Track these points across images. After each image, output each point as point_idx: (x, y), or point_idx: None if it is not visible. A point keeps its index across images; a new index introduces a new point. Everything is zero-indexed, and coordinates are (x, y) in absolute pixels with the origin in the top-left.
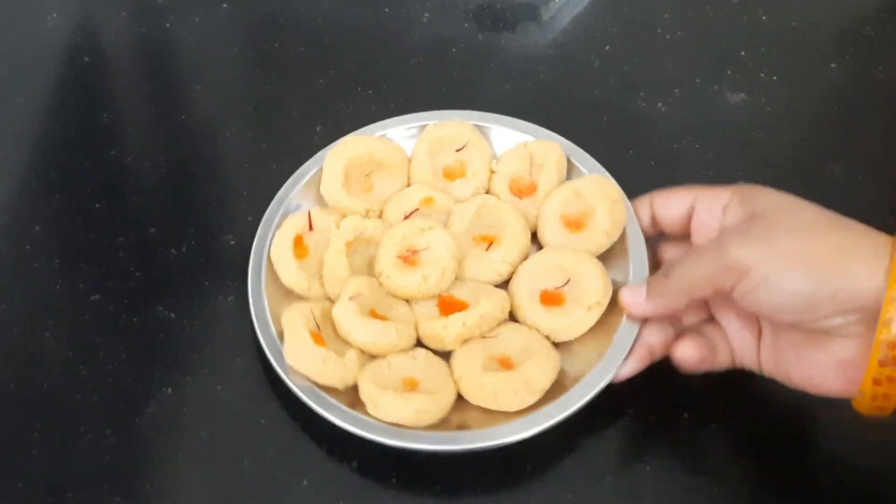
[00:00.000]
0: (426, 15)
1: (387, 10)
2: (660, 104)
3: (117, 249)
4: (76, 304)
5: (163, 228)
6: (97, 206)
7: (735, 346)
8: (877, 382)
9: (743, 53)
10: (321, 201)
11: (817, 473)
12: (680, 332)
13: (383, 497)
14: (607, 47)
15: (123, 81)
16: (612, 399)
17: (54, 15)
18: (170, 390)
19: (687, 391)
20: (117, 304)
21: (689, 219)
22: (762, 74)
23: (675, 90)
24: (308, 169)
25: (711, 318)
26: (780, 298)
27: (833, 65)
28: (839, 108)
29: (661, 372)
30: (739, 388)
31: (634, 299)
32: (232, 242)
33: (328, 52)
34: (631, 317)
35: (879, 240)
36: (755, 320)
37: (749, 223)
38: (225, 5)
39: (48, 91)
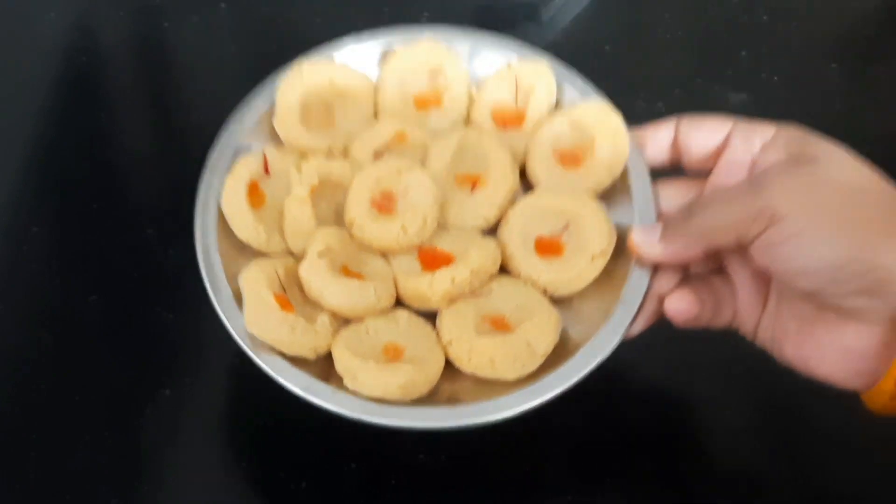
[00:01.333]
0: (426, 14)
1: (386, 9)
2: (660, 104)
3: (115, 250)
4: (74, 305)
5: (161, 229)
6: (95, 206)
7: (739, 306)
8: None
9: (743, 53)
10: (274, 137)
11: (819, 472)
12: (682, 280)
13: (382, 499)
14: (607, 47)
15: (121, 82)
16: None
17: (52, 15)
18: (168, 391)
19: (686, 392)
20: (115, 305)
21: (718, 153)
22: (763, 74)
23: (676, 90)
24: (257, 100)
25: (721, 269)
26: (809, 259)
27: (833, 65)
28: (839, 108)
29: (659, 372)
30: (739, 388)
31: (647, 239)
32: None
33: None
34: (641, 262)
35: None
36: (767, 281)
37: (792, 166)
38: (223, 5)
39: (46, 92)
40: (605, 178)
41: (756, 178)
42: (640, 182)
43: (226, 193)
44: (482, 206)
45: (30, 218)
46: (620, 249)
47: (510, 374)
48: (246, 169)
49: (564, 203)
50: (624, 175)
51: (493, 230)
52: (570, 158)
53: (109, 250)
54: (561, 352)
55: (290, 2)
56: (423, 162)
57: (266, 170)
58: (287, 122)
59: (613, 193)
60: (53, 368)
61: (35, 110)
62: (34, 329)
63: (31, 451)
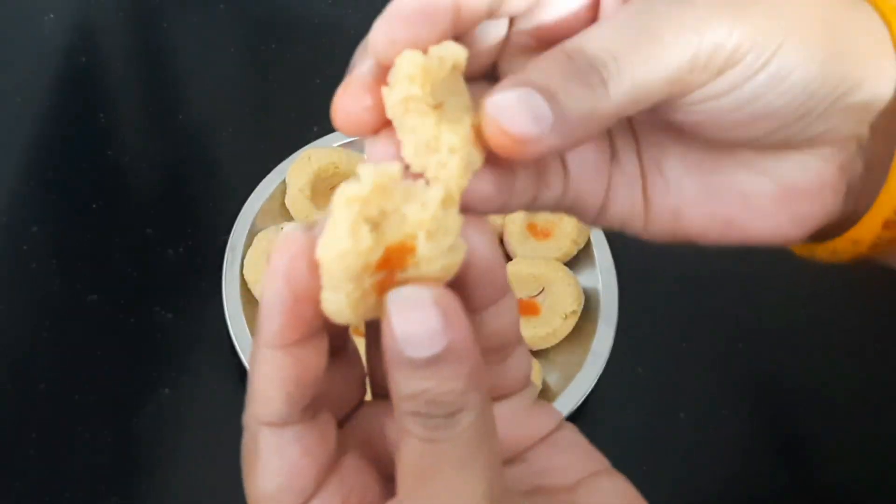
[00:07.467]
0: None
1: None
2: None
3: (115, 250)
4: (74, 305)
5: (160, 229)
6: (94, 206)
7: (576, 183)
8: (890, 225)
9: None
10: (285, 214)
11: (816, 473)
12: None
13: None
14: None
15: (120, 82)
16: (605, 402)
17: (51, 16)
18: (167, 390)
19: (684, 391)
20: (115, 304)
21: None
22: None
23: None
24: (271, 182)
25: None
26: (780, 92)
27: None
28: None
29: (657, 372)
30: (737, 387)
31: (536, 129)
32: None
33: (325, 53)
34: (520, 154)
35: (866, 5)
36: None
37: None
38: (222, 6)
39: (45, 92)
40: (571, 250)
41: (674, 4)
42: (601, 251)
43: (248, 263)
44: None
45: (30, 217)
46: (589, 309)
47: None
48: (266, 242)
49: (539, 270)
50: (587, 245)
51: None
52: (542, 232)
53: (109, 250)
54: (542, 397)
55: (289, 2)
56: None
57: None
58: (299, 202)
59: (580, 261)
60: (53, 368)
61: (35, 110)
62: (34, 328)
63: (31, 450)
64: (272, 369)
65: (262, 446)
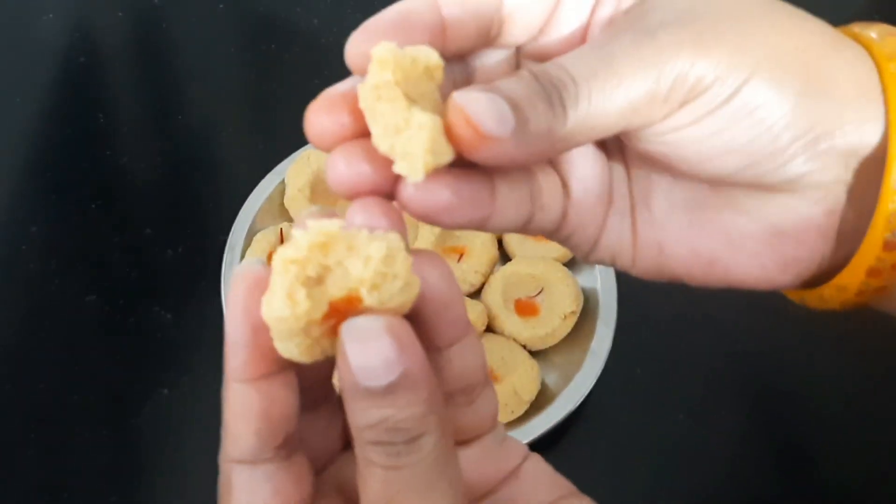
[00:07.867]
0: None
1: (381, 9)
2: None
3: (113, 250)
4: (72, 305)
5: (159, 229)
6: (93, 206)
7: (574, 211)
8: (874, 273)
9: None
10: (283, 211)
11: (815, 474)
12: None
13: None
14: None
15: (119, 82)
16: (604, 403)
17: (50, 15)
18: (166, 391)
19: (683, 392)
20: (113, 304)
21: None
22: None
23: None
24: (270, 182)
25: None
26: (744, 127)
27: None
28: None
29: (656, 372)
30: (735, 388)
31: (498, 128)
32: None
33: (324, 53)
34: (482, 158)
35: (856, 47)
36: (609, 173)
37: (676, 14)
38: (221, 6)
39: (44, 92)
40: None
41: (638, 37)
42: None
43: None
44: (468, 273)
45: (28, 218)
46: (588, 309)
47: (502, 418)
48: (265, 242)
49: (538, 270)
50: None
51: (475, 294)
52: None
53: (107, 250)
54: (541, 398)
55: (289, 2)
56: (415, 237)
57: (282, 243)
58: (297, 201)
59: (579, 261)
60: (52, 368)
61: (33, 110)
62: (32, 328)
63: (30, 450)
64: (241, 404)
65: (235, 484)
